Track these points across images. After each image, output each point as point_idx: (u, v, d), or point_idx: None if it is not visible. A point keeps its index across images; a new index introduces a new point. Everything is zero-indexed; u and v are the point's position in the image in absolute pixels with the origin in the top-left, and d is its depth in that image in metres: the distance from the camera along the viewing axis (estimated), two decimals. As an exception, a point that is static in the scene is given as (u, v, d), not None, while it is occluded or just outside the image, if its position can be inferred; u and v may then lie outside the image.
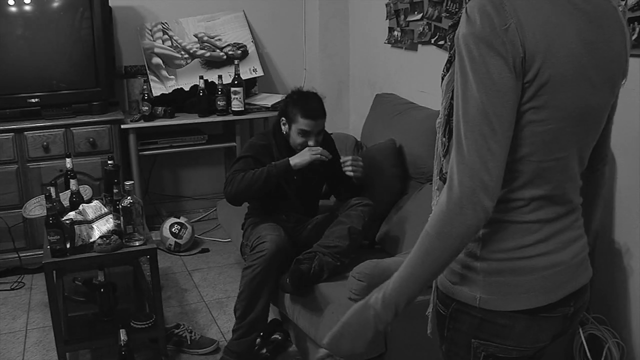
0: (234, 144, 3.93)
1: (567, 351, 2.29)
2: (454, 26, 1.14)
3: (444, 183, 1.23)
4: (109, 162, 2.85)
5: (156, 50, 3.91)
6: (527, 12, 1.05)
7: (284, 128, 2.72)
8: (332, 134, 3.03)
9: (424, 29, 3.24)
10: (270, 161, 2.67)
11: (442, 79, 1.22)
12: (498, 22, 1.03)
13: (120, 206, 2.46)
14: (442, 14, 3.05)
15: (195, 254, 3.86)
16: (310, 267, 2.44)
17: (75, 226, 2.44)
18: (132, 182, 2.50)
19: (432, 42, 3.16)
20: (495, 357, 1.21)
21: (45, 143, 3.46)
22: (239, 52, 4.00)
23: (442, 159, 1.24)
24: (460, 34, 1.06)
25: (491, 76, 1.03)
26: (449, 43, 2.85)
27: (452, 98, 1.14)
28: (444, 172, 1.25)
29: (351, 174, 2.68)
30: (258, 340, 2.67)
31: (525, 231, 1.16)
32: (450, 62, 1.18)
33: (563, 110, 1.10)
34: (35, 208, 2.89)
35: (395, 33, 3.54)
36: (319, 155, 2.60)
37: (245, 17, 4.14)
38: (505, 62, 1.03)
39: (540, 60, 1.05)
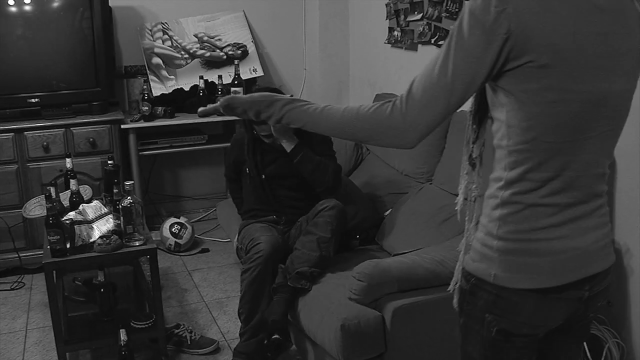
0: (234, 144, 3.94)
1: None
2: None
3: (473, 168, 1.35)
4: (109, 162, 2.84)
5: (156, 50, 3.91)
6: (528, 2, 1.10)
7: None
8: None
9: (424, 29, 3.24)
10: (242, 155, 2.78)
11: None
12: (495, 3, 1.09)
13: (120, 206, 2.46)
14: (442, 14, 3.05)
15: (195, 254, 3.86)
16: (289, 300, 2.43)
17: (75, 226, 2.44)
18: (132, 182, 2.50)
19: (432, 42, 3.16)
20: (507, 332, 1.27)
21: (45, 143, 3.46)
22: (239, 52, 4.00)
23: (472, 145, 1.33)
24: (466, 7, 1.14)
25: (464, 39, 1.11)
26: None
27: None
28: (473, 157, 1.34)
29: None
30: (265, 341, 2.67)
31: (540, 214, 1.20)
32: None
33: (574, 95, 1.14)
34: (35, 208, 2.88)
35: (395, 33, 3.54)
36: None
37: (245, 17, 4.14)
38: (487, 36, 1.10)
39: (535, 45, 1.09)
